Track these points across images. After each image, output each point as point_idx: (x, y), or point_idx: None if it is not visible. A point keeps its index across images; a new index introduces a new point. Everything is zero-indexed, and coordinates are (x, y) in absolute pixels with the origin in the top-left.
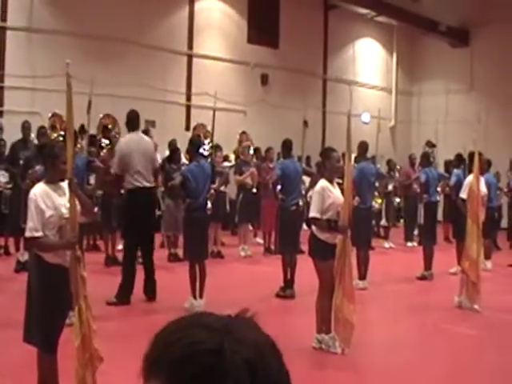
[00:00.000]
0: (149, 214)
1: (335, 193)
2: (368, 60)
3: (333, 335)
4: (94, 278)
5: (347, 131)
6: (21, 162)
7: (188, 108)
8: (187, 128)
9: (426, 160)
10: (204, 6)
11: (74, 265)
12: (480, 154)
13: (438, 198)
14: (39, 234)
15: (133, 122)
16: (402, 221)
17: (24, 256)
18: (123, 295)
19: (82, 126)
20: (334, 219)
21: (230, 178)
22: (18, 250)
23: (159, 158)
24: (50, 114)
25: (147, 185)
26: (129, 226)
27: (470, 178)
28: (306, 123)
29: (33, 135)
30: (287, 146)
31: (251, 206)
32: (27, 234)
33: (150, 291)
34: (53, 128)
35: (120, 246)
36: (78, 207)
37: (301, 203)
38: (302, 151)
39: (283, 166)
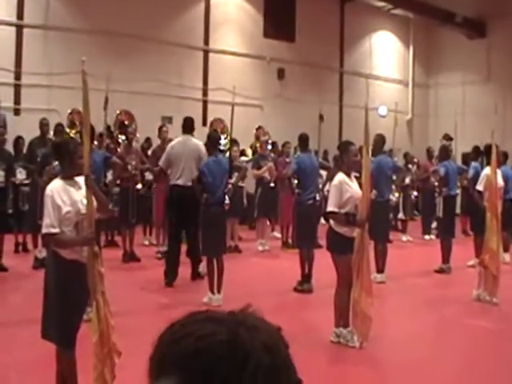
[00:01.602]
0: (188, 210)
1: (353, 186)
2: (384, 53)
3: (351, 329)
4: (112, 273)
5: (365, 125)
6: (38, 158)
7: (205, 103)
8: (204, 123)
9: (445, 153)
10: (220, 1)
11: (92, 261)
12: (496, 147)
13: (457, 191)
14: (56, 230)
15: (187, 126)
16: (417, 213)
17: (42, 253)
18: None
19: (108, 127)
20: (352, 213)
21: (247, 172)
22: (35, 246)
23: None
24: (68, 111)
25: (188, 184)
26: (171, 219)
27: (486, 171)
28: (321, 117)
29: (51, 132)
30: (303, 140)
31: (269, 201)
32: (44, 230)
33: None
34: (72, 124)
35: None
36: (95, 203)
37: (318, 197)
38: (319, 145)
39: (299, 160)
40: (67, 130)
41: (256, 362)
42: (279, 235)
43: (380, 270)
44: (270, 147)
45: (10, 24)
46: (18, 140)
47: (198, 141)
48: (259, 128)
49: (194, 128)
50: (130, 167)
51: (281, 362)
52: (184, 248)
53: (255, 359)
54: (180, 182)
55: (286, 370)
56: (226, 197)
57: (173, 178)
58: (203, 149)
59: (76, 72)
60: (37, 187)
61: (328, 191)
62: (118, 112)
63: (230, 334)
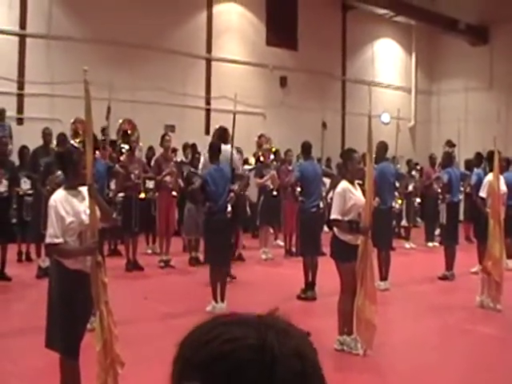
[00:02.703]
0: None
1: (357, 194)
2: (387, 60)
3: (355, 337)
4: (115, 282)
5: (368, 132)
6: (41, 168)
7: (207, 112)
8: (207, 132)
9: (448, 160)
10: (222, 10)
11: (95, 270)
12: (499, 153)
13: (460, 197)
14: (59, 240)
15: (221, 136)
16: (420, 221)
17: (45, 262)
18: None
19: (103, 129)
20: (355, 220)
21: (250, 180)
22: (39, 256)
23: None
24: (71, 120)
25: None
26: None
27: (489, 177)
28: (324, 125)
29: (54, 142)
30: (306, 148)
31: (272, 209)
32: (47, 240)
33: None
34: (75, 134)
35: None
36: (98, 213)
37: (321, 205)
38: (322, 153)
39: (302, 167)
40: (70, 139)
41: (285, 367)
42: (282, 243)
43: (383, 278)
44: (272, 156)
45: (12, 34)
46: (23, 149)
47: (228, 146)
48: (261, 136)
49: (228, 137)
50: (132, 176)
51: (311, 370)
52: (186, 257)
53: (284, 365)
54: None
55: (315, 377)
56: (229, 205)
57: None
58: (234, 154)
59: (78, 81)
60: (40, 197)
61: (331, 199)
62: (120, 121)
63: (259, 338)
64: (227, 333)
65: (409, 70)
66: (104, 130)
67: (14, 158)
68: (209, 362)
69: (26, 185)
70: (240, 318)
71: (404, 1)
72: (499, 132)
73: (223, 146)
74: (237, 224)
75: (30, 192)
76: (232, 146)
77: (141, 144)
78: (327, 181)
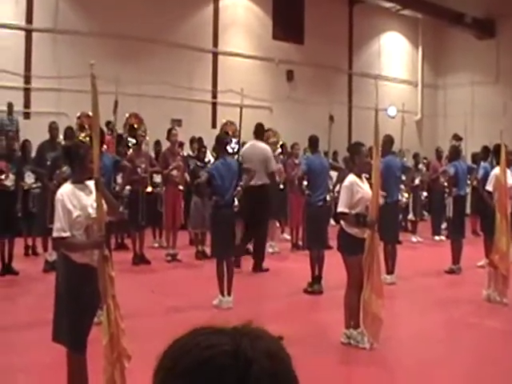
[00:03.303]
0: (260, 204)
1: (364, 188)
2: (393, 54)
3: (361, 330)
4: (122, 276)
5: (375, 126)
6: (48, 162)
7: (214, 106)
8: (213, 126)
9: (455, 153)
10: (228, 3)
11: (102, 264)
12: (506, 147)
13: (467, 191)
14: (66, 234)
15: (257, 132)
16: (426, 214)
17: (52, 256)
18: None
19: (108, 123)
20: (362, 214)
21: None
22: (45, 250)
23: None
24: (77, 114)
25: (259, 183)
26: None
27: (495, 171)
28: (331, 118)
29: (61, 136)
30: (313, 141)
31: (278, 203)
32: (55, 234)
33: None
34: (81, 128)
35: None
36: (105, 207)
37: (328, 198)
38: (329, 146)
39: (308, 161)
40: (77, 133)
41: (259, 369)
42: (289, 237)
43: (390, 272)
44: (279, 150)
45: (19, 28)
46: (25, 143)
47: (264, 144)
48: (268, 130)
49: (264, 133)
50: (139, 170)
51: (284, 370)
52: (192, 250)
53: (258, 367)
54: (252, 181)
55: (288, 378)
56: (235, 199)
57: (245, 179)
58: (269, 151)
59: (85, 75)
60: (47, 191)
61: (338, 192)
62: (127, 115)
63: (234, 344)
64: (205, 340)
65: (415, 64)
66: (109, 124)
67: (17, 152)
68: (190, 369)
69: (29, 179)
70: (216, 328)
71: None
72: (506, 126)
73: (259, 143)
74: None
75: (35, 186)
76: (239, 140)
77: (147, 138)
78: (334, 174)
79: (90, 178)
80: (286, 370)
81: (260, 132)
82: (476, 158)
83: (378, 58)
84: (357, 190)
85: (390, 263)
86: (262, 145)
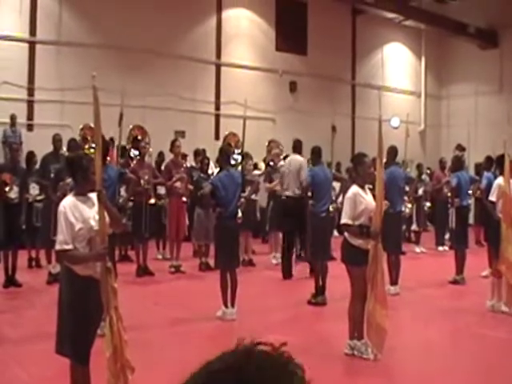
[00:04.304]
0: (294, 215)
1: (367, 198)
2: (396, 64)
3: (365, 341)
4: (126, 288)
5: (379, 136)
6: (52, 174)
7: (217, 117)
8: (217, 137)
9: (458, 164)
10: (232, 15)
11: (105, 276)
12: (509, 156)
13: (469, 201)
14: (69, 246)
15: (295, 147)
16: (430, 225)
17: (56, 268)
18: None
19: (111, 139)
20: (366, 225)
21: (260, 186)
22: (49, 262)
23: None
24: (80, 127)
25: (297, 192)
26: (281, 222)
27: (498, 181)
28: (334, 128)
29: (64, 148)
30: (316, 153)
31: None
32: (57, 246)
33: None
34: (84, 140)
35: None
36: (107, 219)
37: (331, 209)
38: (332, 157)
39: (313, 172)
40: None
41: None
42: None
43: (393, 282)
44: (282, 161)
45: (22, 40)
46: (29, 155)
47: (301, 157)
48: (271, 141)
49: (301, 148)
50: (142, 182)
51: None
52: (196, 262)
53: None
54: (288, 192)
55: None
56: (239, 210)
57: (284, 190)
58: (304, 163)
59: (88, 87)
60: (50, 203)
61: (341, 203)
62: (130, 127)
63: (236, 367)
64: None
65: (418, 74)
66: (112, 139)
67: (21, 164)
68: None
69: (34, 190)
70: (216, 368)
71: (413, 5)
72: (509, 135)
73: (296, 156)
74: (245, 229)
75: (39, 198)
76: (242, 152)
77: (151, 149)
78: (337, 185)
79: (92, 190)
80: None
81: (297, 147)
82: (479, 168)
83: (381, 69)
84: (360, 201)
85: (394, 274)
86: (298, 158)
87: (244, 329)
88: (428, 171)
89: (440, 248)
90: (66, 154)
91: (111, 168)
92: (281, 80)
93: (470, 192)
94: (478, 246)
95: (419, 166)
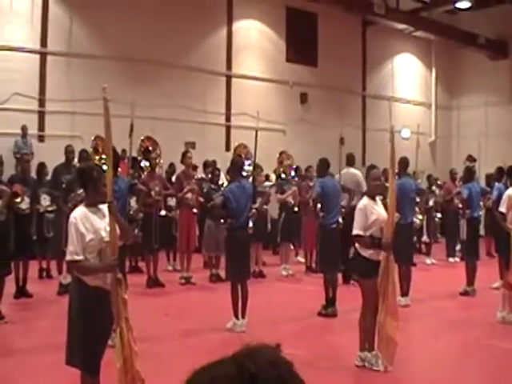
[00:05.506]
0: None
1: (378, 209)
2: (407, 75)
3: (376, 353)
4: (136, 299)
5: (391, 148)
6: (63, 185)
7: (228, 128)
8: (227, 148)
9: (469, 175)
10: (242, 26)
11: (115, 287)
12: None
13: (480, 213)
14: (80, 257)
15: (349, 160)
16: (440, 236)
17: (67, 279)
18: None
19: (123, 151)
20: (377, 236)
21: (271, 197)
22: (60, 272)
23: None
24: (92, 138)
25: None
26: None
27: (509, 192)
28: (342, 140)
29: (75, 159)
30: (323, 164)
31: (292, 225)
32: (68, 257)
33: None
34: (95, 151)
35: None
36: (118, 230)
37: (340, 221)
38: (340, 169)
39: (322, 183)
40: (92, 156)
41: (264, 377)
42: (303, 260)
43: (404, 293)
44: (293, 173)
45: (33, 51)
46: (41, 166)
47: (356, 170)
48: (282, 153)
49: (354, 161)
50: (153, 193)
51: (287, 372)
52: (206, 273)
53: (263, 376)
54: (343, 203)
55: (293, 378)
56: (250, 221)
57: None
58: (360, 176)
59: (99, 98)
60: (62, 213)
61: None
62: (141, 138)
63: (236, 366)
64: (208, 374)
65: (429, 85)
66: (124, 151)
67: (32, 175)
68: None
69: (45, 201)
70: (215, 361)
71: (423, 16)
72: None
73: (351, 169)
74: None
75: (51, 209)
76: (254, 163)
77: (161, 161)
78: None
79: (103, 202)
80: (289, 372)
81: (350, 160)
82: (490, 179)
83: (391, 80)
84: (371, 212)
85: (405, 285)
86: (354, 170)
87: (254, 340)
88: (438, 182)
89: (451, 259)
90: (77, 165)
91: (122, 179)
92: (291, 91)
93: (481, 203)
94: (488, 258)
95: (429, 177)
